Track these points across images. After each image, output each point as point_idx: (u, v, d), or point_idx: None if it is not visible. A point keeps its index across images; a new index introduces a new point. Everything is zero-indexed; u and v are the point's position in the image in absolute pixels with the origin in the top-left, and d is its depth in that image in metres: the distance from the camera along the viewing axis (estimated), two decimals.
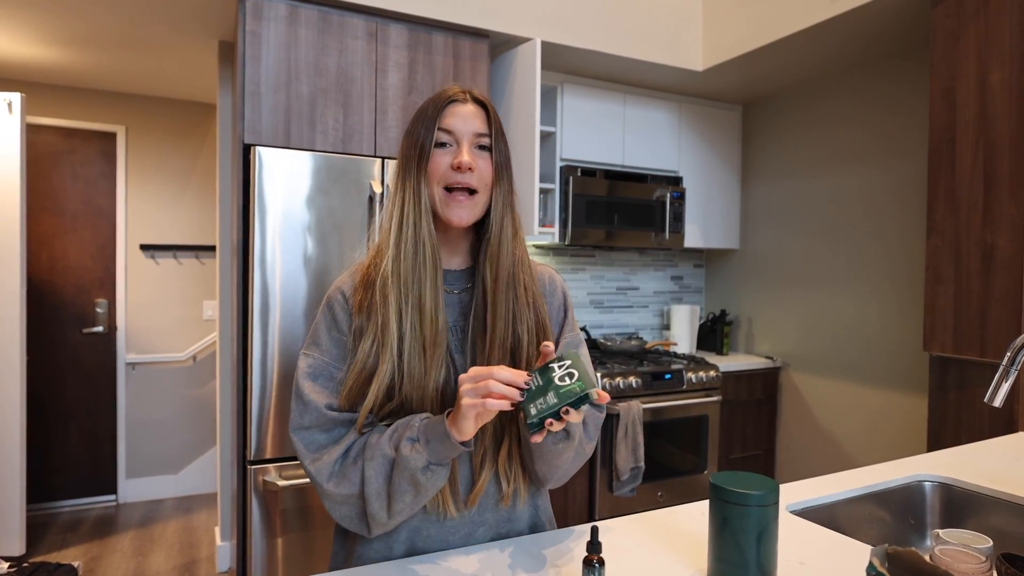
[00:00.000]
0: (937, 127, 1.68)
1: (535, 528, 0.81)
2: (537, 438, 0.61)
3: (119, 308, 2.86)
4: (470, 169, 0.72)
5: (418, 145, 0.73)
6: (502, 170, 0.75)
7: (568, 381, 0.62)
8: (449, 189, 0.72)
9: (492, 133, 0.74)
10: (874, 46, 2.17)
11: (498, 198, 0.75)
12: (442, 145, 0.73)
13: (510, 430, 0.75)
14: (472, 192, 0.73)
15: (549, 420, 0.61)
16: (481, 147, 0.74)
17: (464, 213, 0.72)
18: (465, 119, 0.73)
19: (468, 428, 0.62)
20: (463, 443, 0.64)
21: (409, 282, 0.71)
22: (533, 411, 0.61)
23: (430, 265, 0.71)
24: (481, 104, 0.76)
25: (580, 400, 0.61)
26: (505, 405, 0.61)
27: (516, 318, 0.74)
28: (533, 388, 0.63)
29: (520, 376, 0.62)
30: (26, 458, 2.25)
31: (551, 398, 0.62)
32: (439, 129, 0.73)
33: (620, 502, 2.23)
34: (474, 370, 0.63)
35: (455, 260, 0.79)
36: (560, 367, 0.63)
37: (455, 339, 0.75)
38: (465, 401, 0.61)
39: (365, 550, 0.74)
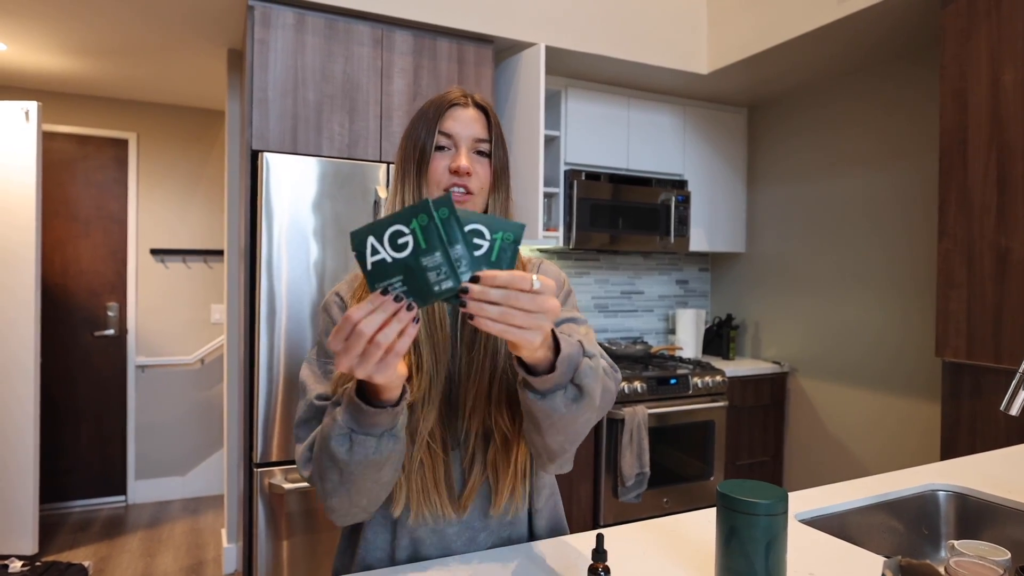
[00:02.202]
0: (948, 129, 1.65)
1: (543, 534, 0.80)
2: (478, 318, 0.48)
3: (129, 311, 2.89)
4: (468, 173, 0.71)
5: (418, 147, 0.72)
6: (500, 176, 0.74)
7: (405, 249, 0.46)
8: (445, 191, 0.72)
9: (492, 139, 0.74)
10: (880, 48, 2.14)
11: (494, 205, 0.74)
12: (441, 148, 0.72)
13: (498, 424, 0.71)
14: (469, 193, 0.72)
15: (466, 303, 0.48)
16: (480, 152, 0.73)
17: None
18: (465, 123, 0.72)
19: (382, 384, 0.52)
20: (378, 404, 0.55)
21: None
22: (436, 288, 0.47)
23: None
24: (482, 109, 0.75)
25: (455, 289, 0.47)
26: (413, 333, 0.49)
27: None
28: (401, 283, 0.48)
29: (378, 301, 0.48)
30: (39, 459, 2.28)
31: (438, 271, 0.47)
32: (439, 132, 0.72)
33: (625, 508, 2.21)
34: (336, 330, 0.49)
35: None
36: (392, 236, 0.47)
37: (459, 337, 0.74)
38: (351, 367, 0.49)
39: (367, 554, 0.74)
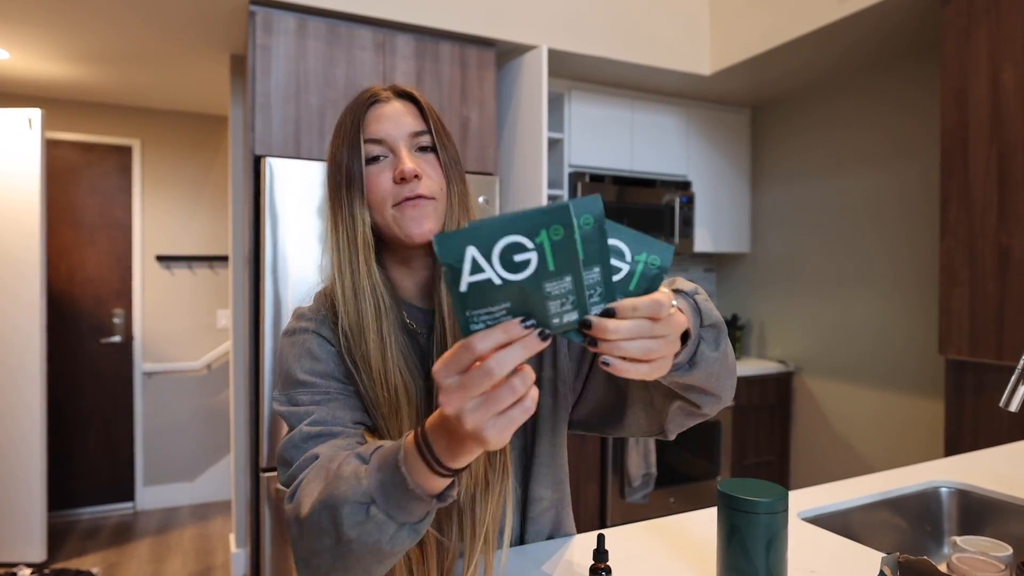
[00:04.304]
0: (949, 127, 1.66)
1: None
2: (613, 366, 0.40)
3: (135, 318, 2.91)
4: (417, 176, 0.58)
5: (343, 169, 0.60)
6: (451, 170, 0.62)
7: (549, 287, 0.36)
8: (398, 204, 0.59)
9: (431, 129, 0.61)
10: (883, 47, 2.15)
11: (452, 204, 0.62)
12: (375, 160, 0.60)
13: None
14: (431, 199, 0.60)
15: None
16: (422, 148, 0.61)
17: (427, 223, 0.59)
18: (395, 120, 0.60)
19: (493, 445, 0.38)
20: (439, 494, 0.44)
21: (357, 337, 0.58)
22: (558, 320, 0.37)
23: (371, 314, 0.58)
24: (409, 98, 0.62)
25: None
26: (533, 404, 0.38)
27: None
28: (507, 313, 0.37)
29: (514, 330, 0.36)
30: (47, 466, 2.30)
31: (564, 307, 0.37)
32: (366, 141, 0.59)
33: (632, 508, 2.21)
34: (447, 361, 0.37)
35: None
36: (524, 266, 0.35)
37: (422, 390, 0.60)
38: (461, 411, 0.37)
39: None
